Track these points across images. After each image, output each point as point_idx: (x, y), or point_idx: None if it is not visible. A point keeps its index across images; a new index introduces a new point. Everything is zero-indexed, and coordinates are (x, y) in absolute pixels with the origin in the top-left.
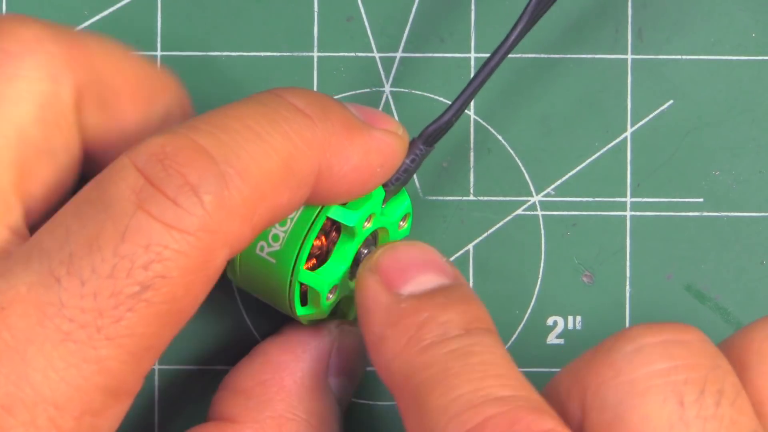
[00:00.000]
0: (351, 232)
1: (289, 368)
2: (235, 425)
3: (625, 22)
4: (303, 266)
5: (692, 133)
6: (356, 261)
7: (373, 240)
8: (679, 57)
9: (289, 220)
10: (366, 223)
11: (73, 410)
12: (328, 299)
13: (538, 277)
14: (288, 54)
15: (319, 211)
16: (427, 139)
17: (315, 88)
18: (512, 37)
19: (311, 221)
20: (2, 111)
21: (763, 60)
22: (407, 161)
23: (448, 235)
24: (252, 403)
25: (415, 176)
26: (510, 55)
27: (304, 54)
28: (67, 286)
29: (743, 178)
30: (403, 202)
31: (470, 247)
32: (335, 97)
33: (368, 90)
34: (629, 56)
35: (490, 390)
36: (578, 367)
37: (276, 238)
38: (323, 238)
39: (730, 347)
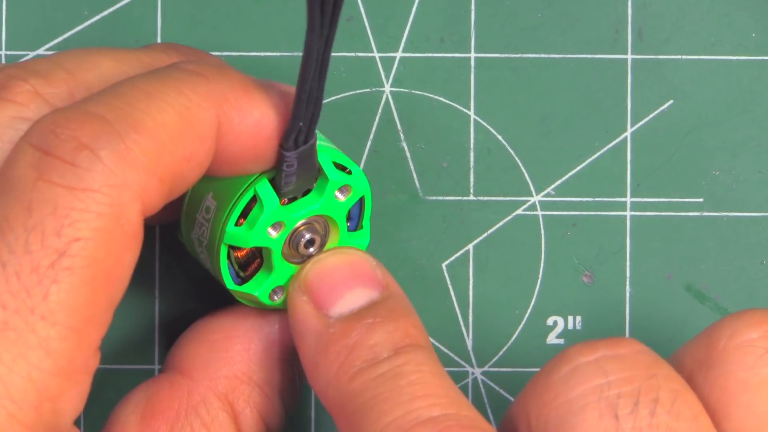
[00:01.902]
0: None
1: (262, 332)
2: (189, 382)
3: (625, 22)
4: (231, 283)
5: (692, 133)
6: (295, 244)
7: (319, 221)
8: (679, 57)
9: (201, 237)
10: (273, 231)
11: (31, 401)
12: (274, 300)
13: (538, 277)
14: (288, 54)
15: (220, 237)
16: (284, 144)
17: None
18: (312, 30)
19: (216, 246)
20: None
21: (763, 60)
22: (284, 167)
23: (448, 235)
24: (213, 357)
25: (415, 176)
26: (510, 56)
27: None
28: None
29: (743, 178)
30: (324, 182)
31: (470, 247)
32: (335, 97)
33: (368, 90)
34: (629, 56)
35: (420, 412)
36: (523, 394)
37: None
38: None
39: (697, 346)
